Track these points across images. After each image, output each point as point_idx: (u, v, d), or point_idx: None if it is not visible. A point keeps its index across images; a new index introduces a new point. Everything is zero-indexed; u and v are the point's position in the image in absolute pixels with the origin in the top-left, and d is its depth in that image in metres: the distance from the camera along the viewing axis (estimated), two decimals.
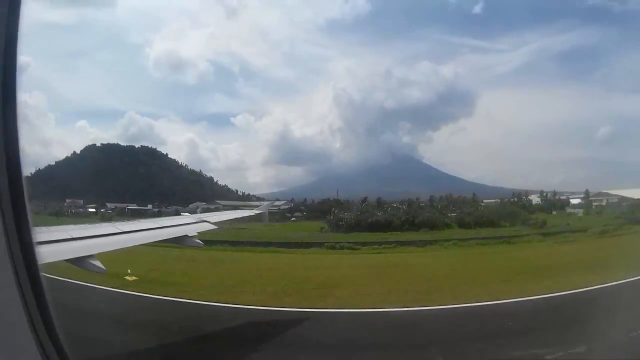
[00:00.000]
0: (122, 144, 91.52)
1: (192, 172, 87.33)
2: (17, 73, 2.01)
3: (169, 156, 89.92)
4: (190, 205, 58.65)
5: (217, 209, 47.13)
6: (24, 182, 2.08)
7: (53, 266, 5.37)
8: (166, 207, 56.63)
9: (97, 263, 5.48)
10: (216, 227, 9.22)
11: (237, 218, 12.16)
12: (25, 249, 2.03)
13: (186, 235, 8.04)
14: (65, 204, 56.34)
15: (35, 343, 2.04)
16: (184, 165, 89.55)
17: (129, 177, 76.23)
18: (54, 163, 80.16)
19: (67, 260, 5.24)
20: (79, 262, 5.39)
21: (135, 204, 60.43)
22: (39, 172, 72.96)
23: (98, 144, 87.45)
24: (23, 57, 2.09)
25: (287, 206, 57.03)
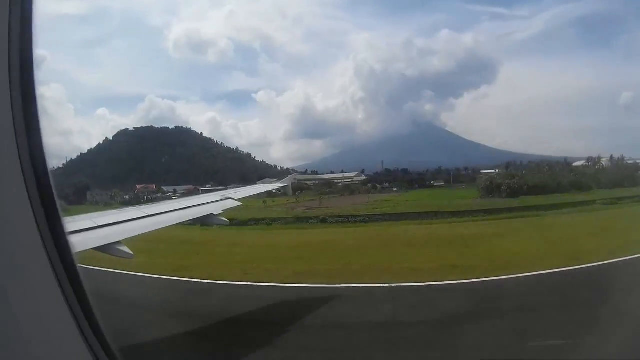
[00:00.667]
0: (156, 126, 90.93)
1: (229, 149, 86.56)
2: (35, 67, 2.02)
3: (204, 135, 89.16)
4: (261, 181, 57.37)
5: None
6: (51, 175, 2.09)
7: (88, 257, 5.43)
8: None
9: (125, 249, 5.46)
10: (240, 203, 9.12)
11: (260, 193, 12.08)
12: (59, 241, 2.04)
13: (211, 214, 7.99)
14: (138, 189, 54.61)
15: (80, 335, 2.08)
16: (219, 143, 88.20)
17: (169, 158, 76.23)
18: (85, 151, 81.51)
19: (94, 249, 5.24)
20: (107, 249, 5.38)
21: (210, 185, 56.65)
22: (71, 162, 75.41)
23: (131, 128, 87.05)
24: (39, 51, 2.11)
25: (360, 178, 54.14)
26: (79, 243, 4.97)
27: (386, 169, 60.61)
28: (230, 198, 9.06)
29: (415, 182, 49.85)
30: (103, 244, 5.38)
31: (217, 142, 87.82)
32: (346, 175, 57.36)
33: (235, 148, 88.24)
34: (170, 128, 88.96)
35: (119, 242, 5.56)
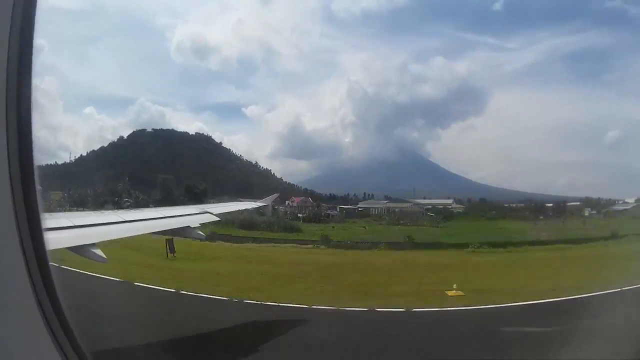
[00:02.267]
0: (187, 129, 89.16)
1: (250, 163, 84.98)
2: (33, 63, 2.03)
3: (223, 145, 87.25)
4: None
5: None
6: (35, 170, 2.10)
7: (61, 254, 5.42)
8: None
9: (99, 252, 5.50)
10: (218, 218, 9.22)
11: (240, 210, 12.16)
12: (35, 236, 2.05)
13: (188, 227, 8.06)
14: None
15: (47, 330, 2.08)
16: (238, 155, 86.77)
17: (196, 166, 73.42)
18: (97, 148, 78.67)
19: (68, 248, 5.26)
20: (81, 250, 5.41)
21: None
22: (82, 159, 72.27)
23: (149, 129, 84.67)
24: (38, 41, 2.09)
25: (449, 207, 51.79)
26: (53, 240, 5.00)
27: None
28: (209, 212, 9.15)
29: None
30: (77, 245, 5.41)
31: (236, 154, 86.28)
32: (441, 201, 55.20)
33: (254, 162, 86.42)
34: (191, 134, 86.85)
35: (93, 245, 5.59)
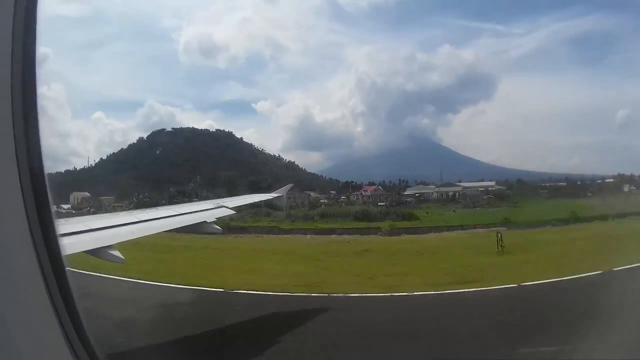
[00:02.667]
0: (197, 127, 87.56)
1: (272, 156, 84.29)
2: (37, 66, 2.04)
3: (245, 140, 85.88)
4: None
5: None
6: (46, 175, 2.12)
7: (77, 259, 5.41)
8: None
9: (116, 253, 5.46)
10: (234, 212, 9.14)
11: (254, 202, 12.09)
12: (49, 243, 2.05)
13: (204, 222, 8.00)
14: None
15: (62, 335, 2.08)
16: (261, 149, 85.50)
17: (223, 162, 72.25)
18: (117, 151, 79.23)
19: (86, 252, 5.24)
20: (99, 253, 5.38)
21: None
22: (103, 162, 73.52)
23: (168, 129, 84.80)
24: (43, 49, 2.20)
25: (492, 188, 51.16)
26: (70, 245, 4.97)
27: None
28: (224, 206, 9.07)
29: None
30: (94, 248, 5.38)
31: (258, 148, 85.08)
32: (484, 184, 54.70)
33: (277, 155, 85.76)
34: (212, 131, 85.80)
35: (110, 246, 5.56)
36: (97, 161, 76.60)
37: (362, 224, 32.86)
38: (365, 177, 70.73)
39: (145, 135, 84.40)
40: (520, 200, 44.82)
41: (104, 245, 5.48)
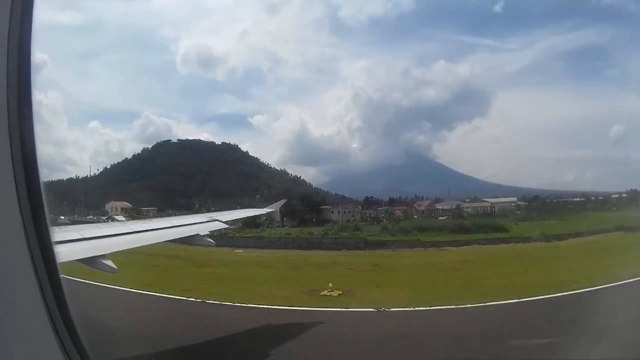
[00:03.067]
0: (203, 139, 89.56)
1: (280, 171, 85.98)
2: (33, 73, 2.05)
3: (250, 154, 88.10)
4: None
5: None
6: (42, 183, 2.12)
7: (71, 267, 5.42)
8: None
9: (109, 263, 5.49)
10: (227, 225, 9.19)
11: (248, 216, 12.13)
12: (44, 249, 2.06)
13: (197, 235, 8.03)
14: None
15: (56, 341, 2.08)
16: (266, 164, 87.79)
17: (231, 175, 73.88)
18: (121, 160, 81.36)
19: (79, 260, 5.26)
20: (91, 262, 5.40)
21: None
22: (107, 171, 74.51)
23: (174, 140, 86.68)
24: (41, 55, 2.16)
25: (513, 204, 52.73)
26: (63, 254, 5.00)
27: None
28: (217, 220, 9.12)
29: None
30: (87, 257, 5.40)
31: (264, 162, 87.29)
32: (506, 200, 56.70)
33: (283, 169, 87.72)
34: (218, 143, 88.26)
35: (103, 256, 5.58)
36: (100, 170, 76.64)
37: (460, 236, 33.56)
38: (361, 193, 71.22)
39: (149, 146, 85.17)
40: (559, 213, 46.54)
41: (97, 255, 5.50)
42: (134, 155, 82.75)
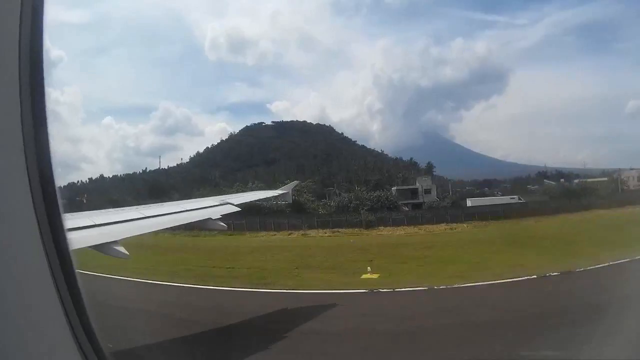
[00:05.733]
0: (286, 119, 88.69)
1: (379, 152, 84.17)
2: (46, 70, 2.04)
3: (345, 135, 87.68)
4: None
5: None
6: (54, 171, 2.11)
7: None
8: None
9: (121, 249, 5.45)
10: (239, 209, 9.10)
11: (260, 199, 12.07)
12: (57, 238, 2.03)
13: (210, 218, 7.97)
14: None
15: (70, 332, 2.07)
16: (365, 145, 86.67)
17: (346, 160, 71.83)
18: (202, 150, 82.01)
19: (91, 247, 5.23)
20: (103, 249, 5.37)
21: None
22: (199, 156, 73.64)
23: (268, 122, 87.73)
24: (57, 52, 2.14)
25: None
26: (75, 240, 4.97)
27: None
28: (229, 203, 9.03)
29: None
30: (99, 243, 5.38)
31: (359, 144, 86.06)
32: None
33: (381, 151, 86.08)
34: (314, 123, 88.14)
35: (115, 242, 5.55)
36: (192, 156, 77.65)
37: None
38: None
39: (235, 130, 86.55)
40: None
41: (109, 241, 5.47)
42: (229, 138, 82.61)
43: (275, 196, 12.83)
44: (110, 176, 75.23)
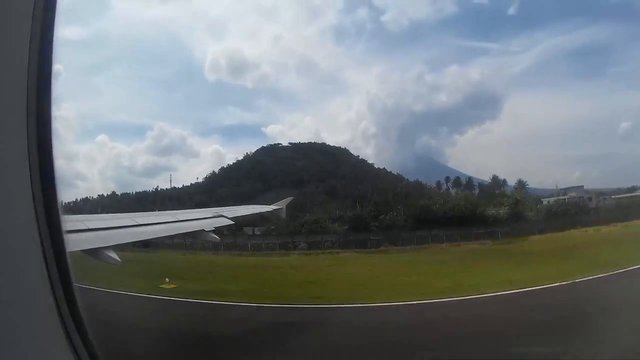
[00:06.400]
0: (304, 141, 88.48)
1: (395, 175, 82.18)
2: (53, 76, 2.08)
3: (361, 157, 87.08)
4: None
5: None
6: (56, 173, 2.11)
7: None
8: None
9: (113, 255, 5.42)
10: (232, 222, 9.09)
11: (254, 213, 12.05)
12: (55, 239, 2.04)
13: (202, 230, 7.96)
14: None
15: (64, 335, 2.07)
16: (380, 167, 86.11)
17: (366, 181, 71.10)
18: (218, 170, 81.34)
19: (82, 251, 5.19)
20: (95, 253, 5.33)
21: None
22: (214, 176, 74.37)
23: (285, 143, 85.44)
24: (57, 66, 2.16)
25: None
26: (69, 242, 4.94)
27: None
28: (223, 216, 9.04)
29: None
30: (91, 247, 5.34)
31: (376, 166, 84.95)
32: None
33: (397, 173, 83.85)
34: (331, 145, 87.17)
35: (107, 248, 5.52)
36: (208, 175, 78.45)
37: None
38: None
39: (251, 152, 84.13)
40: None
41: (101, 246, 5.44)
42: (244, 158, 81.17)
43: (269, 211, 12.80)
44: (108, 194, 73.64)
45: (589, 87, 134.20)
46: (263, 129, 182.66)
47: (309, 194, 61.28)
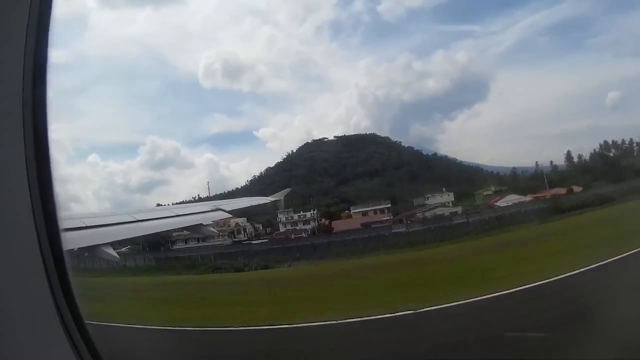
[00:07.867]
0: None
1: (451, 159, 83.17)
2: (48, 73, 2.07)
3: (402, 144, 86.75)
4: None
5: None
6: (53, 172, 2.12)
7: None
8: None
9: (111, 252, 5.44)
10: (230, 215, 9.11)
11: (252, 205, 12.05)
12: (53, 238, 2.05)
13: (201, 224, 7.97)
14: None
15: (65, 334, 2.08)
16: (408, 146, 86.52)
17: (414, 168, 72.81)
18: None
19: (81, 248, 5.21)
20: (94, 250, 5.36)
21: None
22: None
23: (330, 137, 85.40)
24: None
25: None
26: (66, 241, 4.95)
27: None
28: (221, 209, 9.05)
29: None
30: (90, 245, 5.36)
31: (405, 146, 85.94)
32: None
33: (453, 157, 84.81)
34: (366, 134, 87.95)
35: (106, 245, 5.54)
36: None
37: None
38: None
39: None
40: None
41: (100, 243, 5.46)
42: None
43: (267, 203, 12.81)
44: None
45: (573, 59, 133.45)
46: (254, 132, 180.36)
47: (388, 184, 62.22)
